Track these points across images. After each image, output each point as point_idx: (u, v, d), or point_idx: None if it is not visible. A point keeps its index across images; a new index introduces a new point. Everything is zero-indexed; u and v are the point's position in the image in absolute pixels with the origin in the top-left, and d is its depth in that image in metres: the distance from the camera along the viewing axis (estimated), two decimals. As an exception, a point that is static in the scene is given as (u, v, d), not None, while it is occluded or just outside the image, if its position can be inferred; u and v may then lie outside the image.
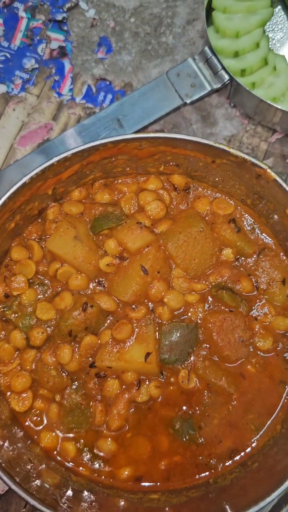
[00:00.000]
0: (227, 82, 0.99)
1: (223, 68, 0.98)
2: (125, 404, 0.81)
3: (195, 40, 1.09)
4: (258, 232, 0.86)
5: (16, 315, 0.83)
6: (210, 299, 0.84)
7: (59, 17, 1.10)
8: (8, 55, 1.10)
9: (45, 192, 0.78)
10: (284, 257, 0.85)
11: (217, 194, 0.86)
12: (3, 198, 0.70)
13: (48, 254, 0.85)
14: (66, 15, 1.10)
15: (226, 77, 0.98)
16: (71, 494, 0.74)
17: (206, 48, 1.00)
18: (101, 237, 0.85)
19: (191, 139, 0.72)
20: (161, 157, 0.79)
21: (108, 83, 1.08)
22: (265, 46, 1.01)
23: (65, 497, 0.72)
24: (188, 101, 1.01)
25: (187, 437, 0.80)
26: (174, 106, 1.01)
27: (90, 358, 0.82)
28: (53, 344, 0.82)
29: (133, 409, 0.82)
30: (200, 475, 0.80)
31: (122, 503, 0.75)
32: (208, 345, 0.83)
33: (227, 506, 0.72)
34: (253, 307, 0.84)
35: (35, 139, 1.06)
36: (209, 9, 1.03)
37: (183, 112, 1.06)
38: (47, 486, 0.73)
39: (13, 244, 0.83)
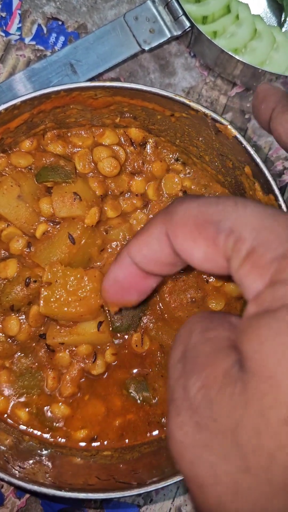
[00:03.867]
0: (188, 30, 0.93)
1: (184, 13, 0.92)
2: (79, 371, 0.78)
3: (154, -20, 1.02)
4: (213, 193, 0.83)
5: None
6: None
7: None
8: None
9: (-10, 143, 0.72)
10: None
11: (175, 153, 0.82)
12: None
13: (-9, 212, 0.78)
14: None
15: (187, 24, 0.93)
16: (22, 455, 0.72)
17: (167, -10, 0.93)
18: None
19: (149, 89, 0.67)
20: (117, 108, 0.73)
21: (60, 23, 1.00)
22: (228, -9, 0.95)
23: (17, 458, 0.70)
24: (146, 48, 0.94)
25: (141, 399, 0.80)
26: (132, 52, 0.94)
27: (42, 328, 0.77)
28: (-4, 314, 0.77)
29: (85, 378, 0.80)
30: (152, 433, 0.80)
31: (78, 459, 0.75)
32: (160, 306, 0.81)
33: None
34: (206, 269, 0.82)
35: (-21, 83, 0.97)
36: None
37: (141, 60, 1.00)
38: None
39: None
